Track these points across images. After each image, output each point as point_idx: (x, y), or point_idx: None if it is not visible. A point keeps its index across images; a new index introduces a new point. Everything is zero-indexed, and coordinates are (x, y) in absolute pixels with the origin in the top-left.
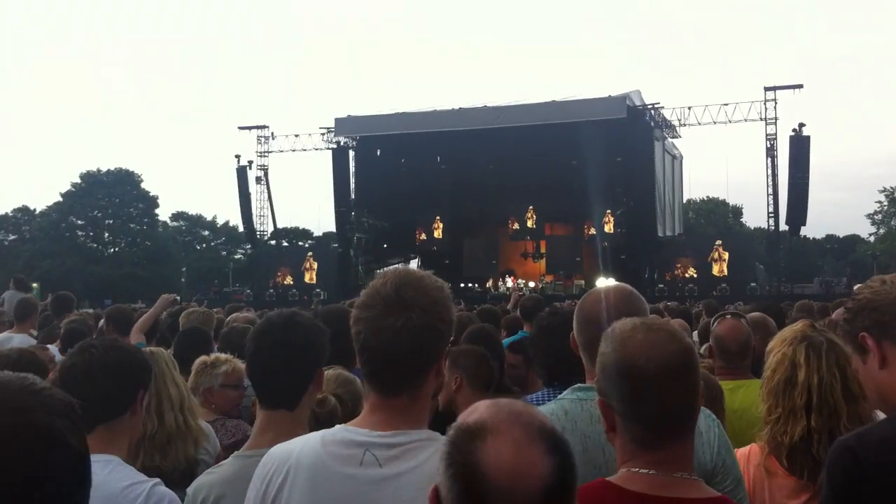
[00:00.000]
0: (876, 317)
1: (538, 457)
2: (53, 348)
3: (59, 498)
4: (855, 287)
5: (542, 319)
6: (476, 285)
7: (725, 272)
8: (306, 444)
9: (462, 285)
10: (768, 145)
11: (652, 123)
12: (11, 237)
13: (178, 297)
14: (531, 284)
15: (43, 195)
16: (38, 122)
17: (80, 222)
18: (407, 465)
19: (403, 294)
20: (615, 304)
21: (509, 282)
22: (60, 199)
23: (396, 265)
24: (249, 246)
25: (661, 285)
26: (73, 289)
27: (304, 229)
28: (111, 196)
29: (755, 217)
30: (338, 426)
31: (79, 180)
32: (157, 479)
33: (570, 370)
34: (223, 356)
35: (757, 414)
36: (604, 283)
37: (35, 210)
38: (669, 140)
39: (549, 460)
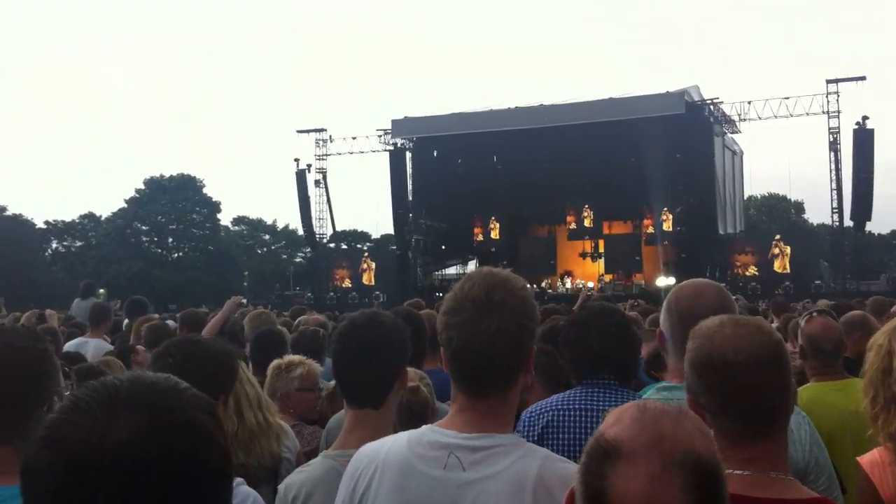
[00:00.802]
0: None
1: (674, 493)
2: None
3: (212, 493)
4: None
5: (573, 314)
6: (534, 286)
7: (788, 268)
8: (394, 444)
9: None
10: (831, 139)
11: (711, 119)
12: (78, 244)
13: (245, 300)
14: (590, 284)
15: (108, 201)
16: (101, 128)
17: (144, 228)
18: (490, 469)
19: (493, 296)
20: (715, 301)
21: (568, 282)
22: (125, 206)
23: (453, 266)
24: (309, 249)
25: (722, 284)
26: (139, 294)
27: (362, 232)
28: (174, 201)
29: (818, 213)
30: (425, 426)
31: (143, 186)
32: (241, 479)
33: (598, 365)
34: (297, 358)
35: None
36: (664, 282)
37: (101, 216)
38: (729, 135)
39: (687, 498)
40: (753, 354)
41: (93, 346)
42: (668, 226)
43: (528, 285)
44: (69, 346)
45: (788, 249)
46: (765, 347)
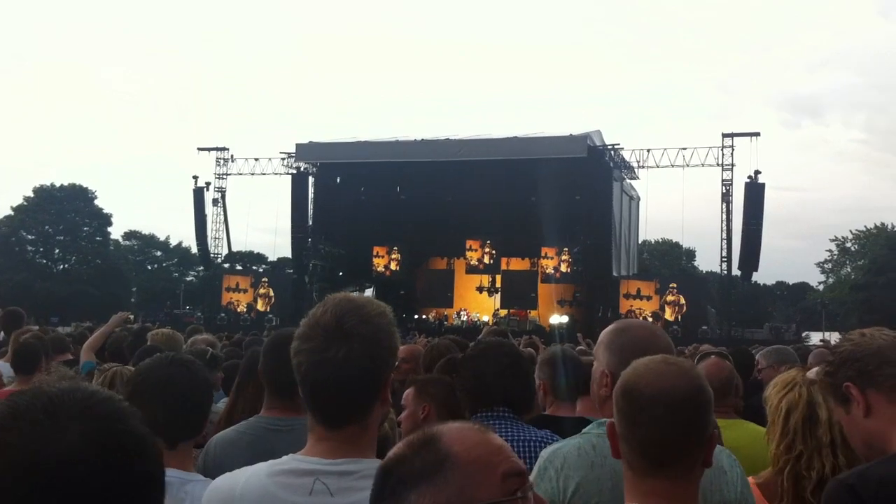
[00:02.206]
0: (859, 367)
1: None
2: (3, 364)
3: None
4: (832, 342)
5: (468, 350)
6: (430, 317)
7: (679, 318)
8: (253, 475)
9: (416, 316)
10: (724, 191)
11: (611, 164)
12: None
13: (132, 316)
14: (485, 318)
15: None
16: None
17: (30, 237)
18: (358, 495)
19: (344, 323)
20: (664, 344)
21: (464, 315)
22: (11, 213)
23: (353, 292)
24: (202, 268)
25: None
26: (20, 305)
27: (258, 253)
28: (63, 212)
29: (708, 260)
30: (286, 456)
31: (31, 194)
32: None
33: (493, 398)
34: None
35: (753, 452)
36: (557, 319)
37: None
38: (628, 181)
39: None
40: (665, 390)
41: None
42: (565, 266)
43: (389, 310)
44: None
45: (683, 299)
46: (681, 387)
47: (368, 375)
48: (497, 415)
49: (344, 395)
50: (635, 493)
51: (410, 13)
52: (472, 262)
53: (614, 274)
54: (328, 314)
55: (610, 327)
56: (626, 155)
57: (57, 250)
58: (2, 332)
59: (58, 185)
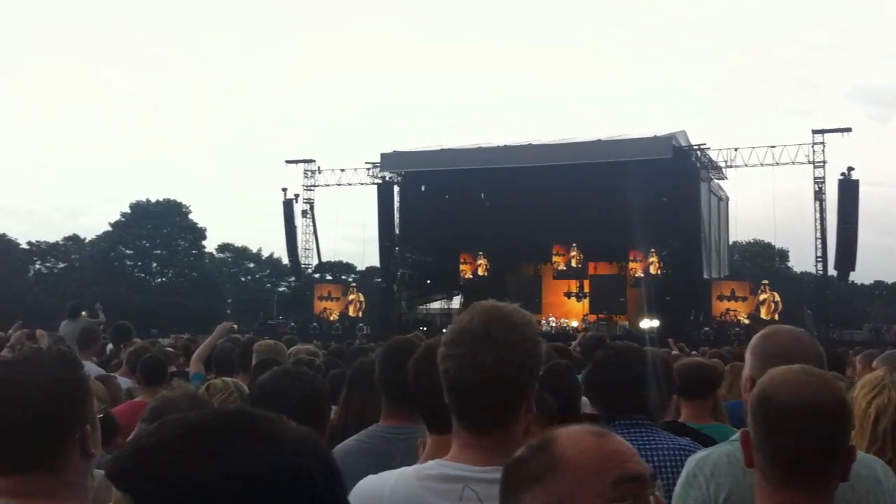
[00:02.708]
0: None
1: None
2: (122, 378)
3: None
4: None
5: (598, 355)
6: None
7: (776, 316)
8: (399, 479)
9: None
10: (816, 188)
11: (698, 164)
12: (61, 265)
13: (236, 326)
14: (574, 324)
15: (94, 225)
16: (88, 150)
17: (128, 252)
18: None
19: (493, 331)
20: (812, 350)
21: (553, 321)
22: (110, 229)
23: (438, 301)
24: (294, 278)
25: (706, 328)
26: (121, 318)
27: (347, 263)
28: (159, 227)
29: (802, 261)
30: (432, 461)
31: (128, 210)
32: None
33: (627, 404)
34: None
35: None
36: (648, 324)
37: (85, 239)
38: (716, 181)
39: None
40: (805, 402)
41: None
42: (654, 268)
43: (535, 320)
44: None
45: (777, 296)
46: (822, 399)
47: (515, 383)
48: (635, 422)
49: (491, 401)
50: None
51: (485, 20)
52: (559, 268)
53: (705, 276)
54: (476, 321)
55: (759, 332)
56: (713, 155)
57: (154, 264)
58: (111, 346)
59: (153, 200)
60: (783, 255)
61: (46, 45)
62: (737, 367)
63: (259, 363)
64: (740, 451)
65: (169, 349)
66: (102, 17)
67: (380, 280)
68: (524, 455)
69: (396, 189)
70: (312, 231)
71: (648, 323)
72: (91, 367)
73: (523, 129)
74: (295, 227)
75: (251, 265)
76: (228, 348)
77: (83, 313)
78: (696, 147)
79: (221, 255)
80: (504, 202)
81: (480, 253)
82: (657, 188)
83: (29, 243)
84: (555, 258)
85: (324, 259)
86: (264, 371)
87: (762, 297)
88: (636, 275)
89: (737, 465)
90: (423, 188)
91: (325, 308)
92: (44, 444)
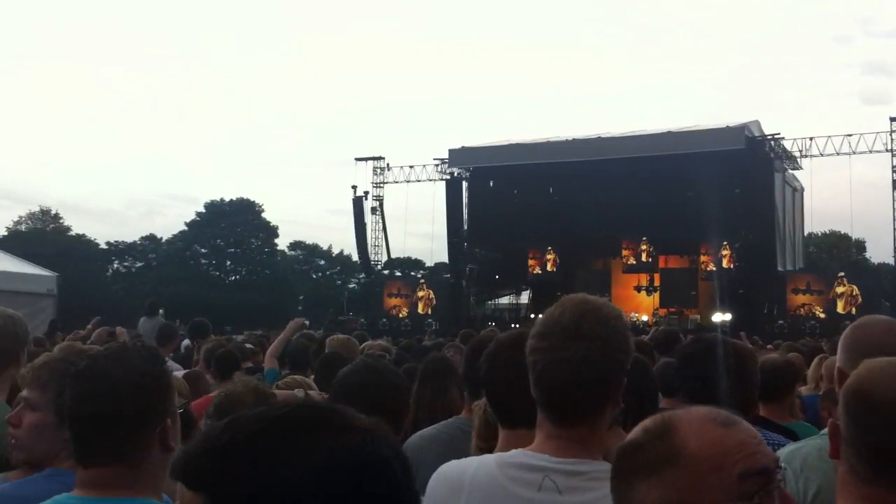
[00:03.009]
0: None
1: None
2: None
3: None
4: None
5: (686, 347)
6: None
7: (854, 309)
8: (481, 466)
9: None
10: (894, 178)
11: (772, 154)
12: (139, 264)
13: (308, 322)
14: (644, 318)
15: (170, 223)
16: (162, 154)
17: (203, 250)
18: (587, 495)
19: (583, 325)
20: None
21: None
22: (185, 228)
23: (506, 296)
24: (363, 275)
25: (780, 321)
26: (196, 315)
27: (416, 259)
28: (233, 225)
29: (880, 252)
30: (514, 450)
31: (203, 209)
32: None
33: (717, 399)
34: None
35: None
36: (720, 317)
37: (161, 238)
38: (790, 172)
39: None
40: None
41: None
42: (726, 261)
43: (624, 315)
44: None
45: (855, 289)
46: None
47: (605, 377)
48: None
49: (579, 394)
50: (852, 498)
51: (551, 18)
52: (628, 262)
53: (779, 269)
54: (566, 315)
55: (851, 324)
56: (787, 145)
57: (228, 262)
58: (187, 342)
59: (227, 199)
60: (860, 246)
61: (94, 51)
62: (828, 362)
63: (326, 357)
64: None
65: (247, 345)
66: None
67: (448, 276)
68: (640, 440)
69: (465, 185)
70: (382, 228)
71: (720, 317)
72: (169, 364)
73: (592, 123)
74: (365, 225)
75: (322, 262)
76: (302, 345)
77: (160, 311)
78: (769, 137)
79: (293, 253)
80: (573, 196)
81: (549, 248)
82: (730, 179)
83: (108, 243)
84: (624, 252)
85: (393, 255)
86: (329, 366)
87: (839, 289)
88: (708, 268)
89: (827, 459)
90: (491, 183)
91: (395, 305)
92: (127, 437)
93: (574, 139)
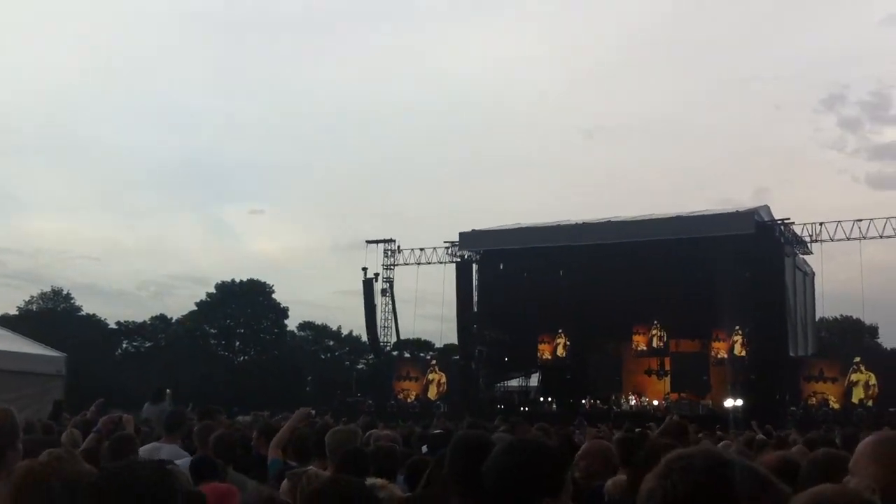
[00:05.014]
0: None
1: None
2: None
3: None
4: None
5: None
6: (599, 401)
7: (870, 400)
8: None
9: (584, 401)
10: None
11: (782, 239)
12: (148, 344)
13: (314, 411)
14: (655, 403)
15: (179, 304)
16: (175, 234)
17: (212, 331)
18: None
19: None
20: None
21: (633, 399)
22: (195, 308)
23: (516, 379)
24: (372, 356)
25: (793, 408)
26: (204, 394)
27: (426, 340)
28: (243, 306)
29: (894, 337)
30: None
31: (213, 290)
32: None
33: None
34: (379, 481)
35: None
36: (732, 403)
37: (171, 319)
38: (800, 256)
39: None
40: None
41: (166, 452)
42: (738, 348)
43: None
44: (142, 450)
45: (872, 377)
46: None
47: None
48: None
49: None
50: None
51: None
52: (639, 348)
53: (791, 354)
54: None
55: (873, 437)
56: (797, 230)
57: (237, 342)
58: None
59: (237, 280)
60: (872, 331)
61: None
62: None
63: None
64: None
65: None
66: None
67: (458, 357)
68: None
69: (475, 267)
70: (392, 309)
71: (732, 402)
72: (175, 450)
73: (601, 205)
74: (374, 306)
75: (331, 343)
76: (305, 434)
77: (167, 391)
78: (779, 222)
79: (302, 334)
80: (583, 280)
81: (560, 331)
82: (740, 264)
83: (118, 323)
84: (635, 338)
85: (402, 337)
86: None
87: (854, 377)
88: (719, 355)
89: None
90: (501, 266)
91: (405, 388)
92: None
93: (584, 223)
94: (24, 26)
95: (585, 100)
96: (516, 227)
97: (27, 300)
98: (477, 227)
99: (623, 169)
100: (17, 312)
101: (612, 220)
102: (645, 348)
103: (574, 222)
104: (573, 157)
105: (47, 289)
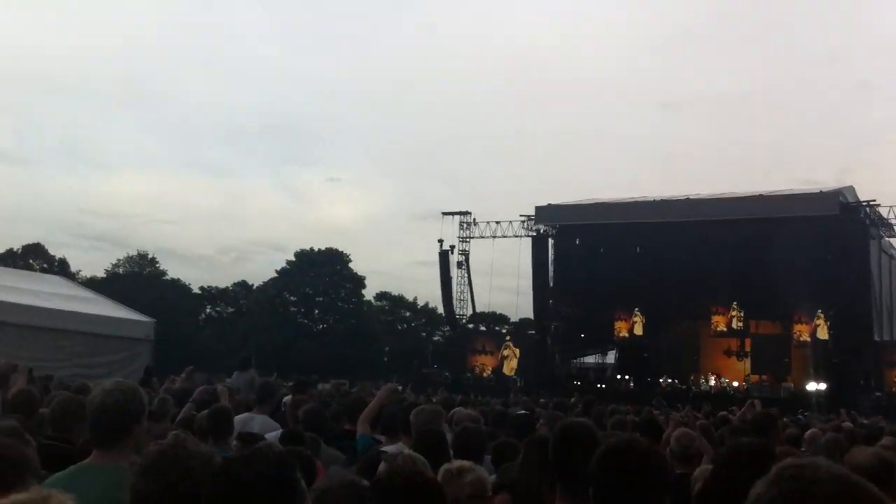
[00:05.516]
0: None
1: None
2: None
3: None
4: None
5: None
6: (677, 381)
7: None
8: None
9: (661, 380)
10: None
11: (867, 221)
12: (230, 310)
13: (400, 388)
14: (735, 384)
15: (260, 271)
16: (254, 202)
17: (292, 298)
18: None
19: None
20: None
21: (711, 380)
22: (276, 275)
23: (592, 355)
24: (448, 328)
25: (878, 393)
26: (284, 361)
27: (501, 314)
28: (322, 275)
29: None
30: None
31: (294, 258)
32: None
33: None
34: (466, 464)
35: None
36: (814, 387)
37: (253, 285)
38: (886, 239)
39: None
40: None
41: (258, 423)
42: (821, 332)
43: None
44: (236, 420)
45: None
46: None
47: None
48: None
49: None
50: None
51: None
52: (718, 328)
53: (876, 339)
54: None
55: None
56: (883, 212)
57: (316, 311)
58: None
59: (317, 249)
60: None
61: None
62: None
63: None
64: None
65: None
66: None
67: (533, 332)
68: None
69: (550, 242)
70: (467, 282)
71: (815, 386)
72: (267, 421)
73: (681, 182)
74: (450, 278)
75: (407, 314)
76: (393, 412)
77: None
78: (864, 203)
79: (379, 304)
80: (660, 257)
81: (636, 309)
82: (823, 246)
83: (201, 288)
84: (714, 318)
85: (478, 310)
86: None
87: None
88: (801, 337)
89: None
90: (577, 241)
91: (479, 363)
92: None
93: (662, 199)
94: None
95: (662, 72)
96: (593, 201)
97: (114, 263)
98: (552, 201)
99: (700, 144)
100: (104, 275)
101: (692, 197)
102: (724, 329)
103: (652, 199)
104: (649, 130)
105: (132, 252)
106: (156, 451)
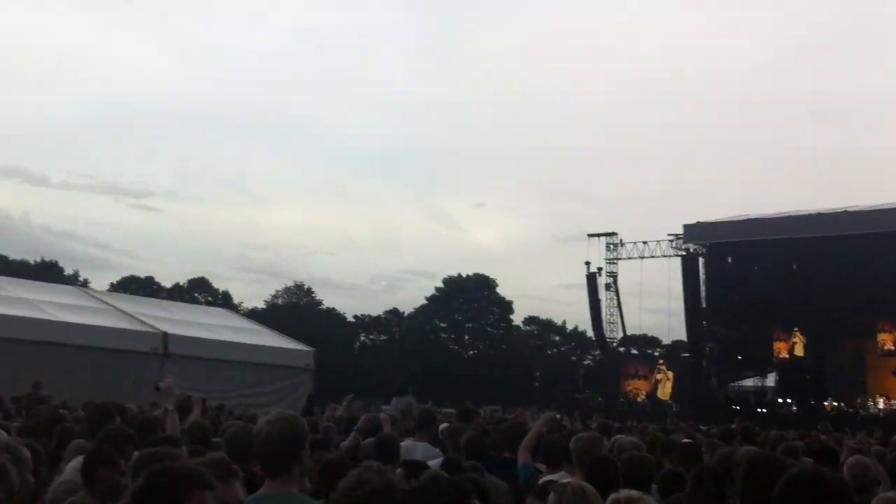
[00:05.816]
0: None
1: None
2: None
3: None
4: None
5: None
6: (843, 404)
7: None
8: None
9: (825, 403)
10: None
11: None
12: (383, 337)
13: (559, 416)
14: None
15: (409, 299)
16: (403, 231)
17: (442, 325)
18: None
19: None
20: None
21: (881, 402)
22: (426, 302)
23: (751, 378)
24: (599, 352)
25: None
26: (435, 387)
27: (652, 336)
28: (470, 300)
29: None
30: None
31: (442, 285)
32: None
33: None
34: (635, 494)
35: None
36: None
37: (403, 312)
38: None
39: None
40: None
41: (421, 450)
42: None
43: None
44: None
45: None
46: None
47: None
48: None
49: None
50: None
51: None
52: (885, 346)
53: None
54: None
55: None
56: None
57: (466, 337)
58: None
59: (464, 275)
60: None
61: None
62: None
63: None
64: None
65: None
66: None
67: (687, 355)
68: None
69: (701, 261)
70: (616, 304)
71: None
72: (428, 448)
73: (835, 193)
74: (599, 301)
75: (556, 338)
76: (555, 440)
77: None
78: None
79: (528, 328)
80: (819, 273)
81: (795, 329)
82: None
83: (355, 317)
84: (880, 336)
85: (628, 332)
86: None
87: None
88: None
89: None
90: (729, 259)
91: (633, 387)
92: None
93: (819, 213)
94: (242, 10)
95: (807, 76)
96: (744, 217)
97: (273, 294)
98: (700, 218)
99: (852, 152)
100: (264, 306)
101: (849, 209)
102: (892, 347)
103: (807, 212)
104: (796, 139)
105: (289, 283)
106: (355, 478)
